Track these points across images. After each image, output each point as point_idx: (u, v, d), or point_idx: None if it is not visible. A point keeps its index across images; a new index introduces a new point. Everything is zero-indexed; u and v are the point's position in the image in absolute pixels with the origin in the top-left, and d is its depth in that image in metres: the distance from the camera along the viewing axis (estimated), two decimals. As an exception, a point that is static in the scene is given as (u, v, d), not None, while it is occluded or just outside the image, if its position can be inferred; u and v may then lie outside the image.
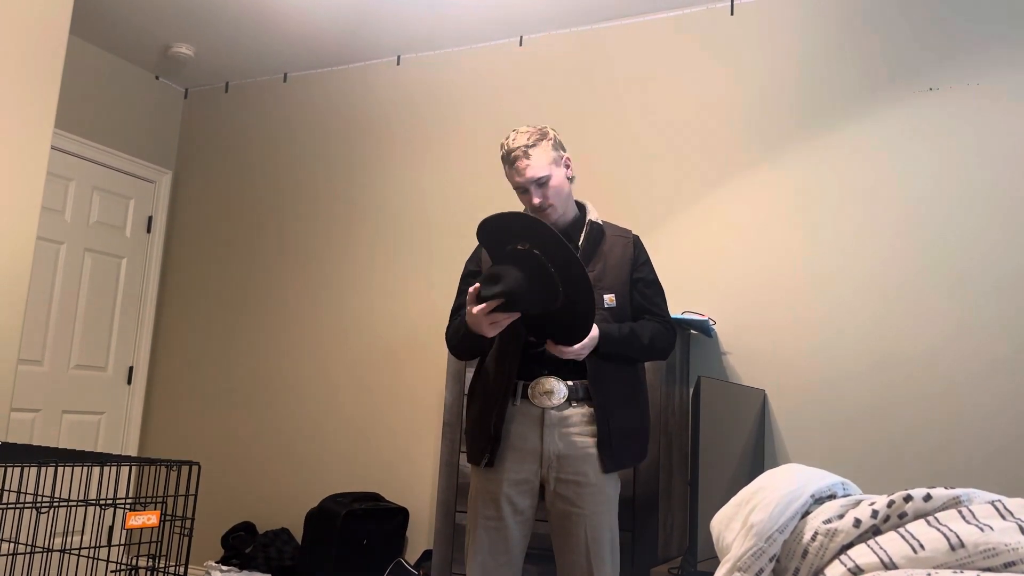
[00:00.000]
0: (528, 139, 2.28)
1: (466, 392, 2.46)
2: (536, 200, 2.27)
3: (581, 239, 2.33)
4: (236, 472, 4.22)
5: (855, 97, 3.22)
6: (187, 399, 4.44)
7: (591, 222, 2.35)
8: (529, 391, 2.24)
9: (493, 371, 2.28)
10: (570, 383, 2.24)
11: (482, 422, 2.27)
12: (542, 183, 2.27)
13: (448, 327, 2.37)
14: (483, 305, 2.04)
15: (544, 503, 2.29)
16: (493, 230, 2.08)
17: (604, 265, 2.32)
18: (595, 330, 2.17)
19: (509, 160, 2.30)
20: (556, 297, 2.04)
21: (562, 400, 2.22)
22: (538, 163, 2.27)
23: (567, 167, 2.35)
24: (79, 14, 4.00)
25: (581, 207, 2.42)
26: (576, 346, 2.12)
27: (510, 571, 2.23)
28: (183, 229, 4.67)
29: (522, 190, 2.30)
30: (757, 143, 3.36)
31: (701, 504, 2.24)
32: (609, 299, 2.28)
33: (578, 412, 2.23)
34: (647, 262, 2.39)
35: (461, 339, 2.26)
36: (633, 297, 2.35)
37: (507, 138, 2.32)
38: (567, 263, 1.99)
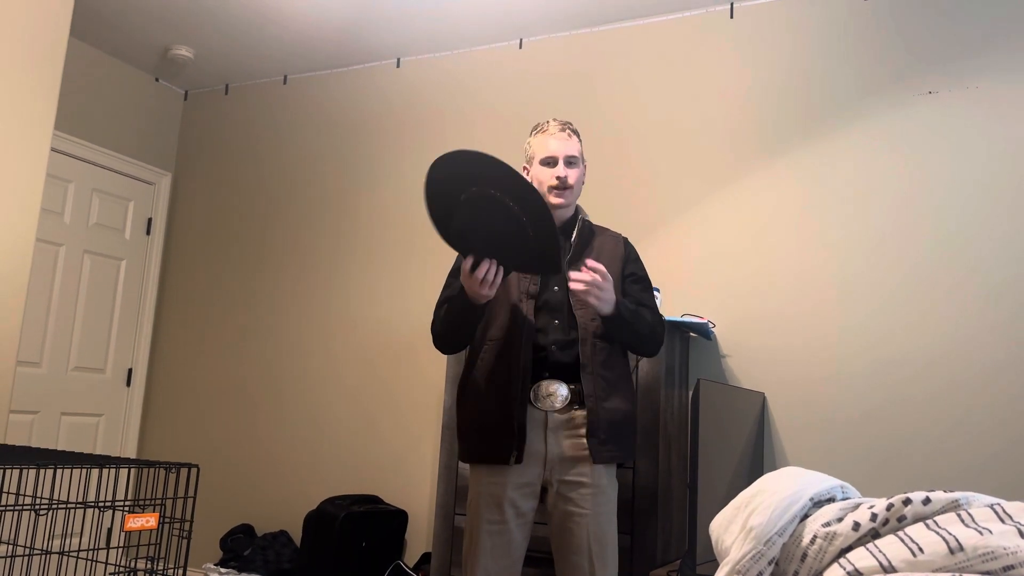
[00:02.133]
0: (572, 126, 2.41)
1: (460, 390, 2.39)
2: (562, 173, 2.32)
3: (574, 235, 2.36)
4: (235, 474, 4.22)
5: (854, 100, 3.22)
6: (186, 401, 4.44)
7: (583, 219, 2.40)
8: (532, 394, 2.24)
9: (503, 368, 2.25)
10: (572, 386, 2.24)
11: (501, 418, 2.21)
12: (571, 162, 2.35)
13: (433, 320, 2.37)
14: (469, 267, 2.09)
15: (543, 505, 2.29)
16: (442, 179, 2.03)
17: (596, 260, 2.35)
18: (613, 292, 2.20)
19: (551, 130, 2.36)
20: (526, 232, 2.04)
21: (565, 403, 2.23)
22: (576, 146, 2.38)
23: (583, 170, 2.44)
24: (79, 16, 4.00)
25: (574, 208, 2.45)
26: (595, 289, 2.11)
27: (511, 574, 2.23)
28: (182, 231, 4.67)
29: (551, 162, 2.34)
30: (755, 146, 3.36)
31: (700, 507, 2.23)
32: None
33: (580, 414, 2.24)
34: (638, 260, 2.43)
35: (452, 316, 2.23)
36: (624, 293, 2.37)
37: (549, 119, 2.40)
38: (523, 193, 1.98)
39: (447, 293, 2.39)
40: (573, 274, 2.14)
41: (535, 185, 2.31)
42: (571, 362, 2.26)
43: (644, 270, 2.43)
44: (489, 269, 2.09)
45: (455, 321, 2.25)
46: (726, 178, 3.39)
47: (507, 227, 2.04)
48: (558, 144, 2.34)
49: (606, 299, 2.17)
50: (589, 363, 2.25)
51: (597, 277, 2.13)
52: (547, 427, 2.23)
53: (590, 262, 2.14)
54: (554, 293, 2.31)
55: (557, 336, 2.27)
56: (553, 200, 2.33)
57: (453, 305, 2.24)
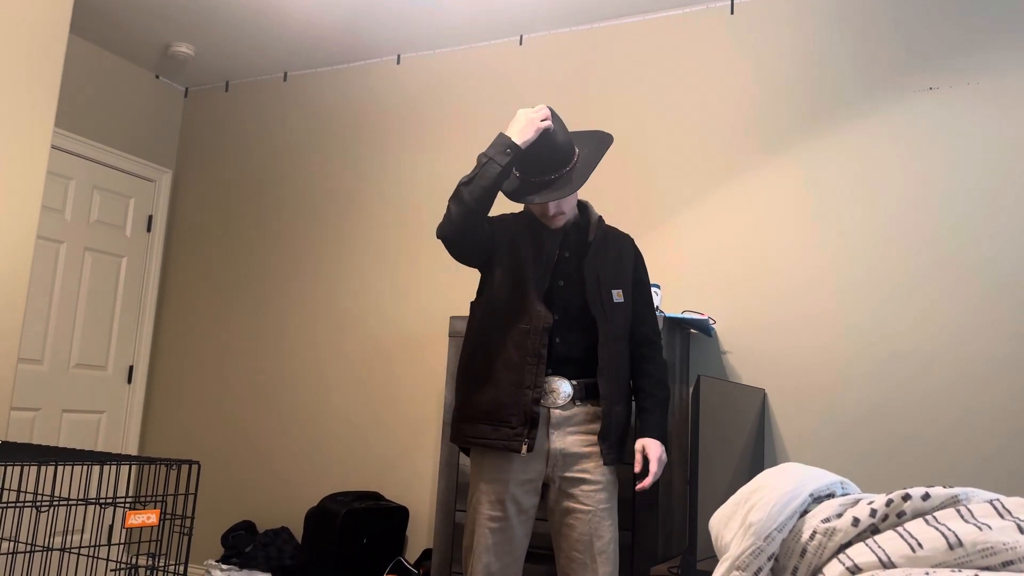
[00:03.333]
0: None
1: (466, 374, 2.33)
2: (551, 211, 2.30)
3: (591, 235, 2.36)
4: (236, 471, 4.22)
5: (855, 96, 3.22)
6: (187, 398, 4.44)
7: (600, 219, 2.40)
8: None
9: (515, 353, 2.23)
10: (574, 382, 2.25)
11: (513, 406, 2.18)
12: None
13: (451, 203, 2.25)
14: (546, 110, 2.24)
15: (544, 502, 2.29)
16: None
17: (611, 262, 2.35)
18: (657, 446, 2.25)
19: None
20: (570, 159, 2.27)
21: (567, 400, 2.23)
22: None
23: None
24: (79, 13, 4.00)
25: (582, 205, 2.44)
26: (654, 469, 2.23)
27: (514, 571, 2.23)
28: (183, 228, 4.67)
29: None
30: (756, 142, 3.36)
31: (701, 503, 2.24)
32: (617, 294, 2.32)
33: (582, 411, 2.24)
34: (643, 265, 2.46)
35: (484, 172, 2.17)
36: (636, 301, 2.39)
37: None
38: (587, 168, 2.27)
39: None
40: (647, 483, 2.23)
41: (531, 207, 2.36)
42: (576, 358, 2.26)
43: (647, 274, 2.46)
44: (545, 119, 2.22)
45: (487, 176, 2.17)
46: (727, 174, 3.39)
47: (560, 148, 2.25)
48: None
49: (664, 462, 2.26)
50: (607, 367, 2.25)
51: (655, 478, 2.24)
52: (550, 423, 2.23)
53: (648, 481, 2.22)
54: (560, 288, 2.30)
55: (559, 331, 2.27)
56: (552, 225, 2.34)
57: (488, 166, 2.17)
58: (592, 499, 2.20)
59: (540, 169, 2.23)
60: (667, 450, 2.29)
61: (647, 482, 2.19)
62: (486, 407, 2.22)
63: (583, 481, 2.21)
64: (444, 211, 3.94)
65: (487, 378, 2.24)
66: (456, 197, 2.20)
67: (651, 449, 2.23)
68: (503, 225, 2.38)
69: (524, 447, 2.16)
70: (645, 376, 2.35)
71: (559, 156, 2.23)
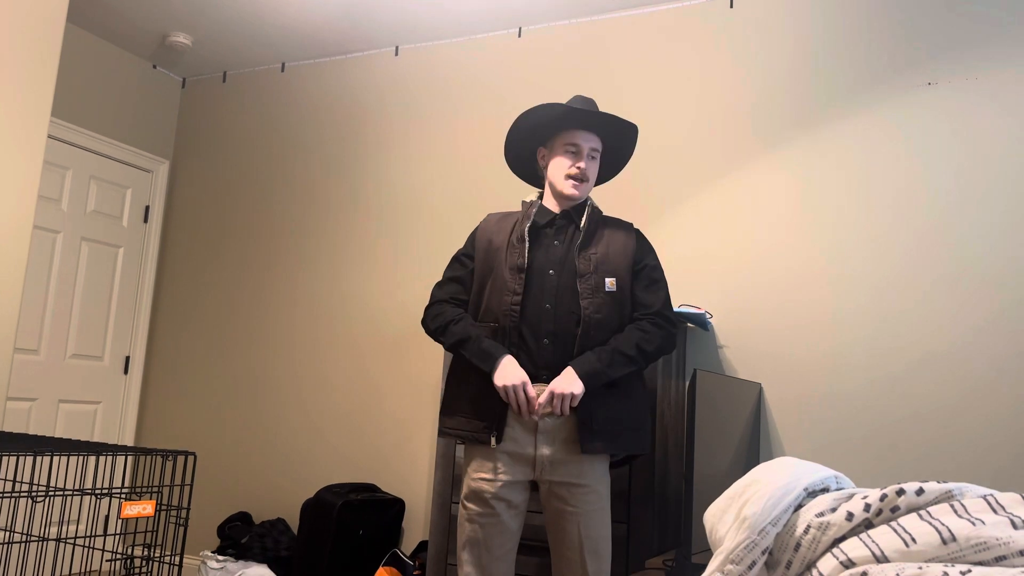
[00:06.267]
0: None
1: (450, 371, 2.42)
2: (581, 165, 2.31)
3: (583, 221, 2.33)
4: (232, 462, 4.23)
5: (853, 91, 3.21)
6: (183, 389, 4.44)
7: (592, 206, 2.37)
8: None
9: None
10: None
11: (483, 401, 2.23)
12: (593, 156, 2.36)
13: (430, 309, 2.38)
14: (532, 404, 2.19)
15: (539, 496, 2.29)
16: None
17: (606, 249, 2.32)
18: (574, 378, 2.18)
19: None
20: (629, 133, 2.44)
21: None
22: (598, 139, 2.39)
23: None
24: (76, 2, 3.98)
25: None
26: (561, 390, 2.16)
27: (504, 564, 2.24)
28: (180, 219, 4.66)
29: (574, 151, 2.33)
30: (754, 137, 3.35)
31: (696, 497, 2.25)
32: (610, 283, 2.28)
33: (573, 419, 2.23)
34: (648, 252, 2.38)
35: (453, 344, 2.31)
36: (634, 289, 2.34)
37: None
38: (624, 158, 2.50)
39: (448, 275, 2.41)
40: (546, 405, 2.19)
41: (551, 171, 2.36)
42: (565, 359, 2.24)
43: (655, 261, 2.37)
44: (519, 398, 2.17)
45: (453, 350, 2.31)
46: (724, 168, 3.39)
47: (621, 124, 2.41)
48: (586, 133, 2.33)
49: (575, 393, 2.17)
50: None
51: (557, 405, 2.17)
52: (538, 430, 2.22)
53: (538, 408, 2.19)
54: (549, 277, 2.29)
55: (549, 327, 2.26)
56: (568, 191, 2.32)
57: (465, 347, 2.26)
58: (581, 501, 2.20)
59: (604, 125, 2.35)
60: (609, 381, 2.20)
61: (536, 405, 2.18)
62: (463, 402, 2.29)
63: (572, 485, 2.20)
64: (441, 202, 3.94)
65: (467, 374, 2.31)
66: (437, 332, 2.33)
67: (558, 379, 2.18)
68: (483, 236, 2.41)
69: (493, 439, 2.20)
70: (619, 335, 2.28)
71: (620, 126, 2.37)
